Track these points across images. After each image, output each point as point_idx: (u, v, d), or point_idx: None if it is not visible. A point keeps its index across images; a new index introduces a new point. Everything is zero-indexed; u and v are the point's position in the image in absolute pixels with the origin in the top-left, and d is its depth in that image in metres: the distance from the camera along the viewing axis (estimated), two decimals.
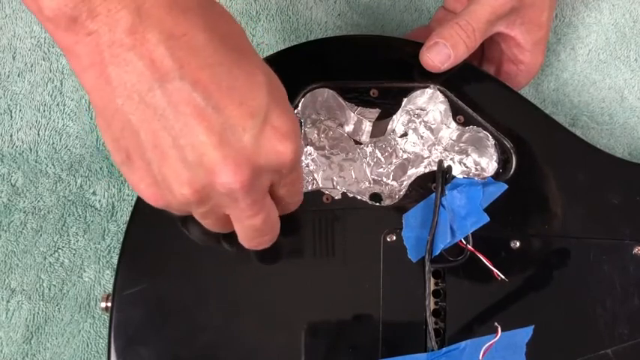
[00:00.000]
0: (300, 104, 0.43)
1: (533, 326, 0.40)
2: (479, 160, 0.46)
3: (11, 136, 0.51)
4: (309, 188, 0.44)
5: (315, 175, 0.45)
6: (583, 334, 0.43)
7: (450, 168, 0.42)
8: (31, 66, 0.52)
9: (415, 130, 0.46)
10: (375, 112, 0.45)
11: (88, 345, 0.49)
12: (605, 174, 0.45)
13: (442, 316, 0.42)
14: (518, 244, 0.43)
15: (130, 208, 0.42)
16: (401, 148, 0.47)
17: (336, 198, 0.42)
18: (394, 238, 0.42)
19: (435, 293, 0.42)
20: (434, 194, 0.41)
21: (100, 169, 0.51)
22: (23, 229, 0.50)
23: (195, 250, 0.41)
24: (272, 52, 0.46)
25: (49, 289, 0.49)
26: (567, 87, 0.56)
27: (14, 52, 0.52)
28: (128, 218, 0.41)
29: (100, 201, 0.51)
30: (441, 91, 0.45)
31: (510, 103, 0.46)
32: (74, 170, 0.51)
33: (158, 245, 0.41)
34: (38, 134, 0.51)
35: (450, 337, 0.41)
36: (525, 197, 0.44)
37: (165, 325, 0.40)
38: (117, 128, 0.31)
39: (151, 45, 0.29)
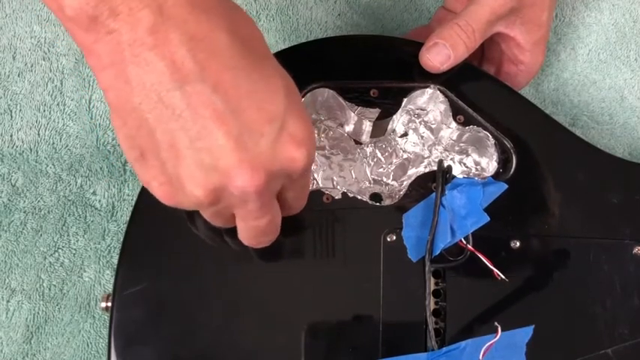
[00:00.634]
0: None
1: (533, 326, 0.40)
2: (479, 160, 0.46)
3: (11, 136, 0.51)
4: (310, 188, 0.44)
5: (315, 175, 0.45)
6: (583, 334, 0.43)
7: (450, 168, 0.42)
8: (31, 66, 0.52)
9: (415, 130, 0.46)
10: (375, 112, 0.45)
11: (88, 345, 0.49)
12: (605, 174, 0.45)
13: (442, 315, 0.42)
14: (518, 244, 0.43)
15: (130, 208, 0.42)
16: (401, 148, 0.47)
17: (337, 198, 0.42)
18: (394, 238, 0.42)
19: (435, 293, 0.42)
20: (434, 194, 0.41)
21: (100, 169, 0.51)
22: (23, 229, 0.50)
23: (195, 250, 0.41)
24: (272, 52, 0.45)
25: (49, 289, 0.49)
26: (567, 87, 0.56)
27: (14, 52, 0.52)
28: (128, 218, 0.41)
29: (100, 201, 0.51)
30: (441, 91, 0.45)
31: (510, 103, 0.46)
32: (74, 170, 0.51)
33: (158, 245, 0.41)
34: (38, 134, 0.51)
35: (450, 337, 0.41)
36: (525, 197, 0.44)
37: (165, 325, 0.40)
38: (132, 126, 0.31)
39: (173, 46, 0.29)
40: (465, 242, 0.41)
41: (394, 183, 0.46)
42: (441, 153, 0.46)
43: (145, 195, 0.41)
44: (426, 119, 0.46)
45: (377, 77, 0.45)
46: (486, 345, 0.39)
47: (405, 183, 0.45)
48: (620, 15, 0.57)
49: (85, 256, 0.50)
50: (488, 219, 0.41)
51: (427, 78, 0.45)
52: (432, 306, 0.42)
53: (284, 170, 0.32)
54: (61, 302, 0.49)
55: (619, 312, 0.43)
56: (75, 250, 0.50)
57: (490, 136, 0.45)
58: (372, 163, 0.46)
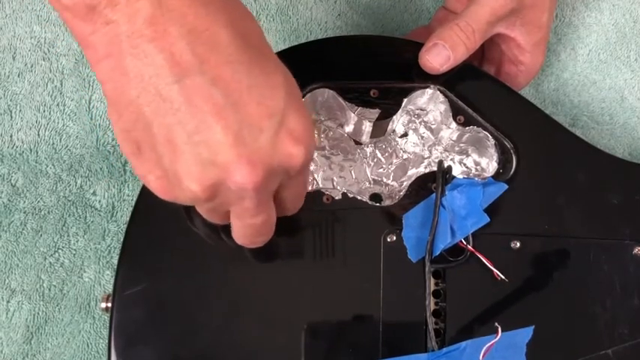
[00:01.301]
0: None
1: (533, 326, 0.40)
2: (479, 160, 0.46)
3: (11, 136, 0.51)
4: (310, 188, 0.44)
5: (315, 176, 0.45)
6: (583, 334, 0.43)
7: (450, 168, 0.42)
8: (31, 66, 0.52)
9: (415, 130, 0.46)
10: (375, 113, 0.45)
11: (88, 345, 0.49)
12: (605, 174, 0.45)
13: (442, 316, 0.42)
14: (518, 244, 0.43)
15: (130, 208, 0.42)
16: (401, 149, 0.47)
17: (337, 198, 0.42)
18: (394, 238, 0.42)
19: (435, 293, 0.42)
20: (434, 194, 0.41)
21: (100, 169, 0.51)
22: (23, 229, 0.50)
23: (195, 250, 0.41)
24: None
25: (49, 289, 0.49)
26: (567, 87, 0.56)
27: (14, 52, 0.52)
28: (128, 218, 0.41)
29: (100, 201, 0.51)
30: (441, 92, 0.45)
31: (510, 104, 0.46)
32: (74, 170, 0.51)
33: (158, 245, 0.41)
34: (38, 134, 0.51)
35: (450, 338, 0.41)
36: (525, 197, 0.44)
37: (165, 325, 0.40)
38: (129, 119, 0.30)
39: (172, 38, 0.29)
40: (465, 243, 0.41)
41: (394, 183, 0.46)
42: (441, 153, 0.46)
43: (145, 195, 0.41)
44: (426, 119, 0.46)
45: (377, 77, 0.45)
46: (486, 345, 0.39)
47: (405, 183, 0.45)
48: (620, 15, 0.57)
49: (85, 257, 0.50)
50: (489, 219, 0.41)
51: (427, 78, 0.45)
52: (432, 306, 0.42)
53: (282, 166, 0.32)
54: (61, 303, 0.49)
55: (619, 312, 0.43)
56: (75, 250, 0.50)
57: (490, 137, 0.45)
58: (372, 164, 0.46)
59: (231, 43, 0.30)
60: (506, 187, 0.43)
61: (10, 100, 0.52)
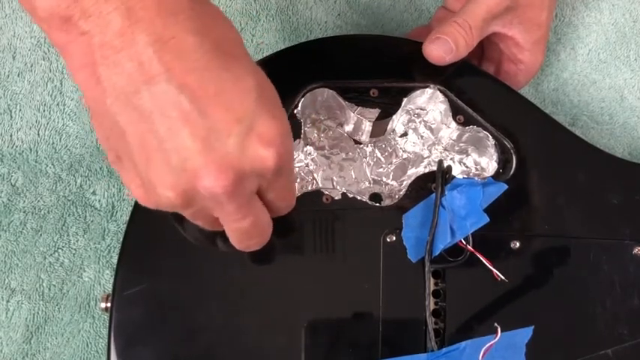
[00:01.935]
0: (300, 104, 0.43)
1: (533, 326, 0.40)
2: (479, 160, 0.46)
3: (11, 136, 0.51)
4: (309, 188, 0.44)
5: (315, 175, 0.45)
6: (583, 334, 0.43)
7: (450, 168, 0.42)
8: (31, 66, 0.52)
9: (415, 129, 0.46)
10: (374, 112, 0.45)
11: (87, 345, 0.49)
12: (605, 174, 0.45)
13: (442, 316, 0.42)
14: (518, 244, 0.43)
15: (130, 208, 0.42)
16: (401, 148, 0.47)
17: (336, 198, 0.42)
18: (394, 238, 0.42)
19: (435, 293, 0.42)
20: (434, 194, 0.41)
21: (100, 169, 0.51)
22: (23, 229, 0.50)
23: (195, 250, 0.41)
24: (272, 52, 0.45)
25: (49, 289, 0.49)
26: (567, 87, 0.56)
27: (14, 52, 0.52)
28: (128, 218, 0.41)
29: (100, 201, 0.51)
30: (441, 91, 0.45)
31: (510, 103, 0.46)
32: (74, 170, 0.51)
33: (158, 245, 0.41)
34: (38, 134, 0.51)
35: (450, 338, 0.41)
36: (525, 197, 0.44)
37: (165, 325, 0.40)
38: (107, 127, 0.31)
39: (140, 47, 0.29)
40: (464, 242, 0.41)
41: (394, 183, 0.46)
42: (440, 153, 0.46)
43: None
44: (425, 119, 0.46)
45: (377, 77, 0.45)
46: (486, 345, 0.39)
47: (404, 183, 0.45)
48: (620, 15, 0.57)
49: (85, 256, 0.50)
50: (488, 219, 0.41)
51: (427, 78, 0.45)
52: (432, 306, 0.42)
53: (254, 170, 0.32)
54: (61, 302, 0.49)
55: (619, 312, 0.43)
56: (75, 250, 0.50)
57: (490, 136, 0.45)
58: (372, 163, 0.46)
59: (199, 50, 0.30)
60: (506, 187, 0.43)
61: (10, 100, 0.52)
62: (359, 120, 0.45)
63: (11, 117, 0.51)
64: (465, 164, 0.46)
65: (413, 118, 0.46)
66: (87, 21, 0.29)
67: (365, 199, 0.43)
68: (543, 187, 0.44)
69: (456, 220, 0.41)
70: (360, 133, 0.46)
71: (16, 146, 0.51)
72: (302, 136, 0.45)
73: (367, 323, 0.41)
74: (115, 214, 0.51)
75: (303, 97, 0.43)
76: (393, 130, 0.46)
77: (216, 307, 0.40)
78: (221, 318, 0.40)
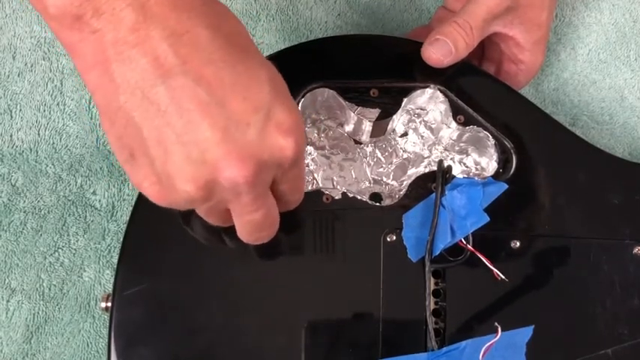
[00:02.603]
0: (300, 104, 0.43)
1: (533, 326, 0.40)
2: (479, 160, 0.46)
3: (11, 136, 0.51)
4: (309, 188, 0.44)
5: (315, 175, 0.45)
6: (583, 334, 0.43)
7: (450, 168, 0.42)
8: (31, 66, 0.52)
9: (415, 129, 0.46)
10: (375, 112, 0.45)
11: (88, 345, 0.49)
12: (606, 174, 0.45)
13: (442, 315, 0.42)
14: (518, 244, 0.43)
15: (130, 208, 0.42)
16: (401, 148, 0.47)
17: (336, 198, 0.42)
18: (394, 238, 0.42)
19: (435, 293, 0.42)
20: (434, 194, 0.41)
21: (100, 169, 0.51)
22: (23, 228, 0.50)
23: (195, 249, 0.41)
24: (272, 52, 0.45)
25: (49, 288, 0.49)
26: (567, 87, 0.56)
27: (14, 52, 0.52)
28: (128, 218, 0.41)
29: (100, 201, 0.51)
30: (441, 91, 0.45)
31: (510, 103, 0.46)
32: (74, 170, 0.51)
33: (158, 245, 0.41)
34: (38, 134, 0.51)
35: (450, 337, 0.41)
36: (525, 197, 0.44)
37: (165, 325, 0.40)
38: (120, 126, 0.31)
39: (154, 42, 0.29)
40: (464, 242, 0.41)
41: (394, 183, 0.46)
42: (441, 153, 0.46)
43: (144, 195, 0.41)
44: (426, 119, 0.46)
45: (377, 77, 0.45)
46: (486, 345, 0.39)
47: (404, 183, 0.45)
48: (620, 15, 0.57)
49: (85, 256, 0.50)
50: (488, 219, 0.41)
51: (427, 78, 0.45)
52: (432, 306, 0.42)
53: (274, 159, 0.32)
54: (61, 302, 0.49)
55: (619, 312, 0.43)
56: (75, 250, 0.50)
57: (490, 136, 0.45)
58: (372, 163, 0.46)
59: (213, 43, 0.30)
60: (506, 186, 0.43)
61: (10, 100, 0.52)
62: (359, 120, 0.45)
63: (11, 117, 0.51)
64: (465, 164, 0.46)
65: (413, 118, 0.46)
66: (99, 19, 0.29)
67: (365, 198, 0.43)
68: (543, 187, 0.44)
69: (456, 219, 0.41)
70: (361, 133, 0.46)
71: (17, 146, 0.51)
72: None
73: (367, 323, 0.41)
74: (115, 214, 0.51)
75: (303, 97, 0.43)
76: (394, 130, 0.46)
77: (217, 307, 0.40)
78: (221, 318, 0.40)
